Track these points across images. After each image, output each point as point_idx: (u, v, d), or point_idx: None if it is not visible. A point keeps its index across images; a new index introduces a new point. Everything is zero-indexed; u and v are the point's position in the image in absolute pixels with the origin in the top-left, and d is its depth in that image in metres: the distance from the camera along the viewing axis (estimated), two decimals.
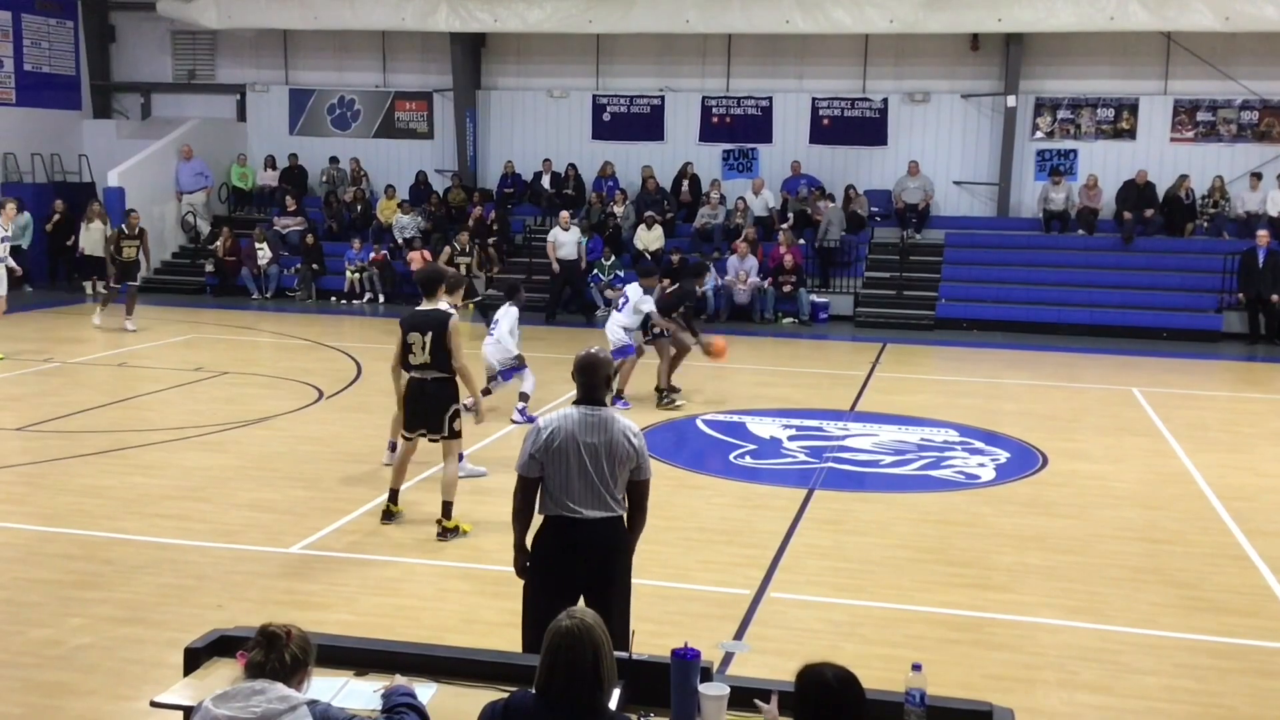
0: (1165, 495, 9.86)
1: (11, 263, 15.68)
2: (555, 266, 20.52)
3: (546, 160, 23.32)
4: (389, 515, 8.66)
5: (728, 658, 5.92)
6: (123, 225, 18.60)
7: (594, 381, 5.25)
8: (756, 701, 3.72)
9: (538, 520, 5.25)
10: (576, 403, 5.25)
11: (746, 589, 7.37)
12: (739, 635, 6.62)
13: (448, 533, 8.29)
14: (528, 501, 5.24)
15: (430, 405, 8.29)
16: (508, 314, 11.99)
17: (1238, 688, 6.12)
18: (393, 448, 9.73)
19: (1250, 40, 20.94)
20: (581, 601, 4.98)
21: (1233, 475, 10.50)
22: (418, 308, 8.48)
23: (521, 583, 5.34)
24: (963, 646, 6.52)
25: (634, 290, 13.11)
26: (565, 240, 20.63)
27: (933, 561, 8.01)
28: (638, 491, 5.26)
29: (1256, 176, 20.79)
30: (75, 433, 11.23)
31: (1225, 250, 19.93)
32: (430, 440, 8.42)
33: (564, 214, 20.96)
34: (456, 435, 8.44)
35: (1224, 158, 21.48)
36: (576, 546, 5.14)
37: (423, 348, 8.21)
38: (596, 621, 3.51)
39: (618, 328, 13.06)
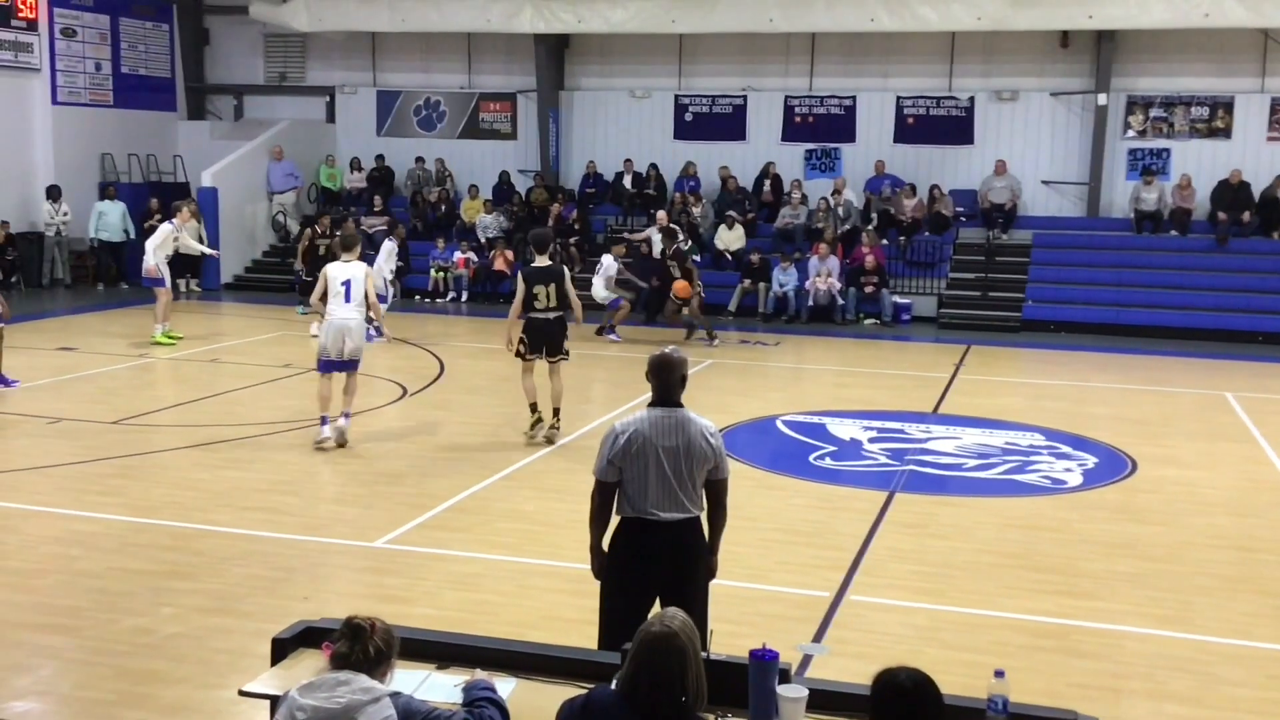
0: (1259, 503, 9.61)
1: (208, 250, 18.89)
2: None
3: (628, 160, 23.37)
4: (538, 423, 10.90)
5: (806, 660, 5.90)
6: (315, 225, 19.12)
7: (669, 382, 5.23)
8: None
9: (614, 520, 5.28)
10: (652, 404, 5.25)
11: (826, 591, 7.33)
12: (818, 638, 6.59)
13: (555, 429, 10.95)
14: (605, 505, 5.25)
15: (554, 336, 10.81)
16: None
17: None
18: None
19: None
20: (658, 604, 4.99)
21: None
22: (534, 264, 10.83)
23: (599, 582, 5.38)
24: (1047, 654, 6.42)
25: (607, 259, 18.58)
26: (660, 240, 20.14)
27: (1017, 567, 7.90)
28: (716, 490, 5.25)
29: None
30: (169, 426, 11.53)
31: None
32: (550, 361, 10.83)
33: (661, 214, 20.60)
34: (568, 355, 11.11)
35: None
36: (653, 548, 5.15)
37: (547, 295, 10.65)
38: (686, 626, 3.50)
39: (600, 288, 18.08)
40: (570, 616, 6.66)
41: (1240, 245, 20.36)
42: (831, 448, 11.28)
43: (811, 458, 10.89)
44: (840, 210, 21.70)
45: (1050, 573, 7.78)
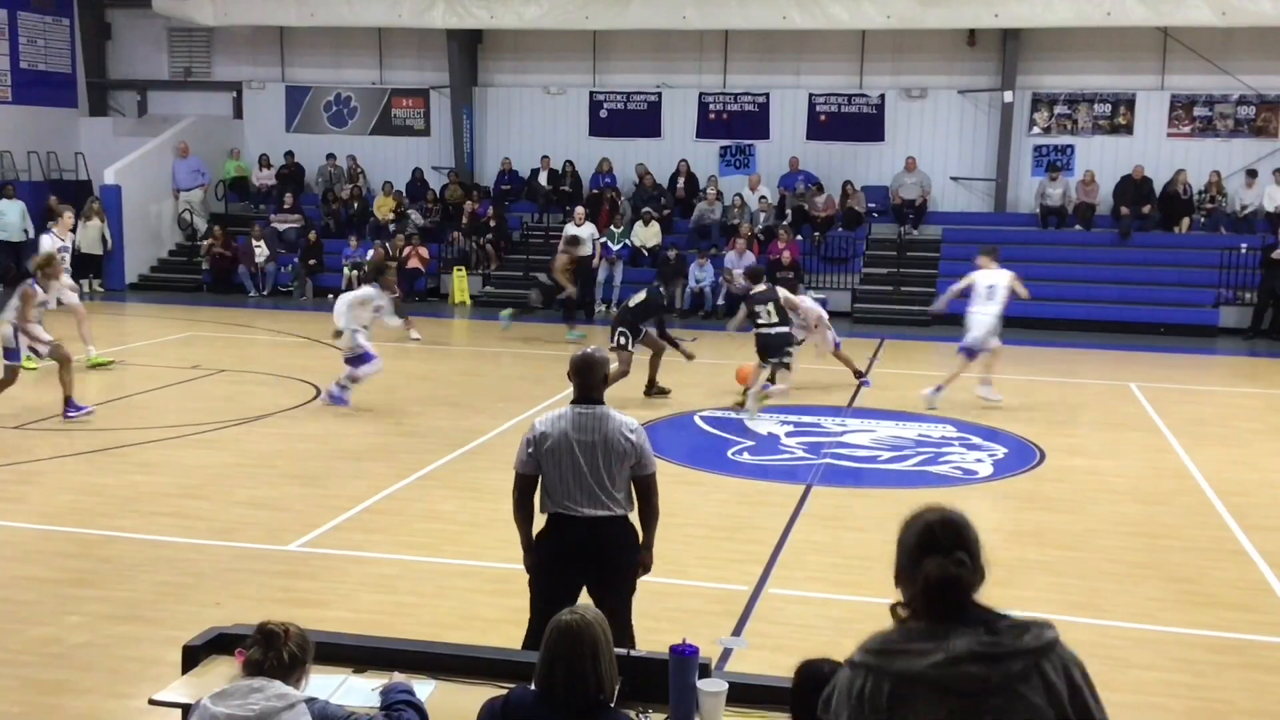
0: (1163, 490, 9.87)
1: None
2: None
3: (544, 157, 23.30)
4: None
5: (726, 654, 5.92)
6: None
7: (590, 381, 5.30)
8: None
9: (542, 519, 5.29)
10: (573, 402, 5.30)
11: (745, 585, 7.37)
12: (737, 631, 6.63)
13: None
14: (525, 498, 5.28)
15: (777, 346, 12.35)
16: None
17: (1235, 682, 6.13)
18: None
19: (1247, 35, 20.93)
20: (585, 598, 5.00)
21: (1230, 470, 10.52)
22: (754, 290, 12.71)
23: (525, 580, 5.38)
24: None
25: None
26: (584, 237, 19.94)
27: None
28: (643, 486, 5.30)
29: (1251, 174, 20.82)
30: (72, 430, 11.22)
31: (1222, 245, 19.96)
32: (772, 364, 12.39)
33: (579, 210, 20.49)
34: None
35: (1221, 153, 21.48)
36: (575, 544, 5.18)
37: (768, 313, 12.35)
38: (597, 618, 3.51)
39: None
40: (490, 616, 6.62)
41: (1142, 239, 20.91)
42: (749, 442, 11.35)
43: (730, 453, 10.95)
44: (755, 206, 21.87)
45: None
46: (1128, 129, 22.01)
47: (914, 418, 12.52)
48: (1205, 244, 20.40)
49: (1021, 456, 10.98)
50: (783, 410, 12.68)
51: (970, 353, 13.03)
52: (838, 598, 7.21)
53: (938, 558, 2.68)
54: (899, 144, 22.58)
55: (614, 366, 13.01)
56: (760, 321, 12.47)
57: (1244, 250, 19.68)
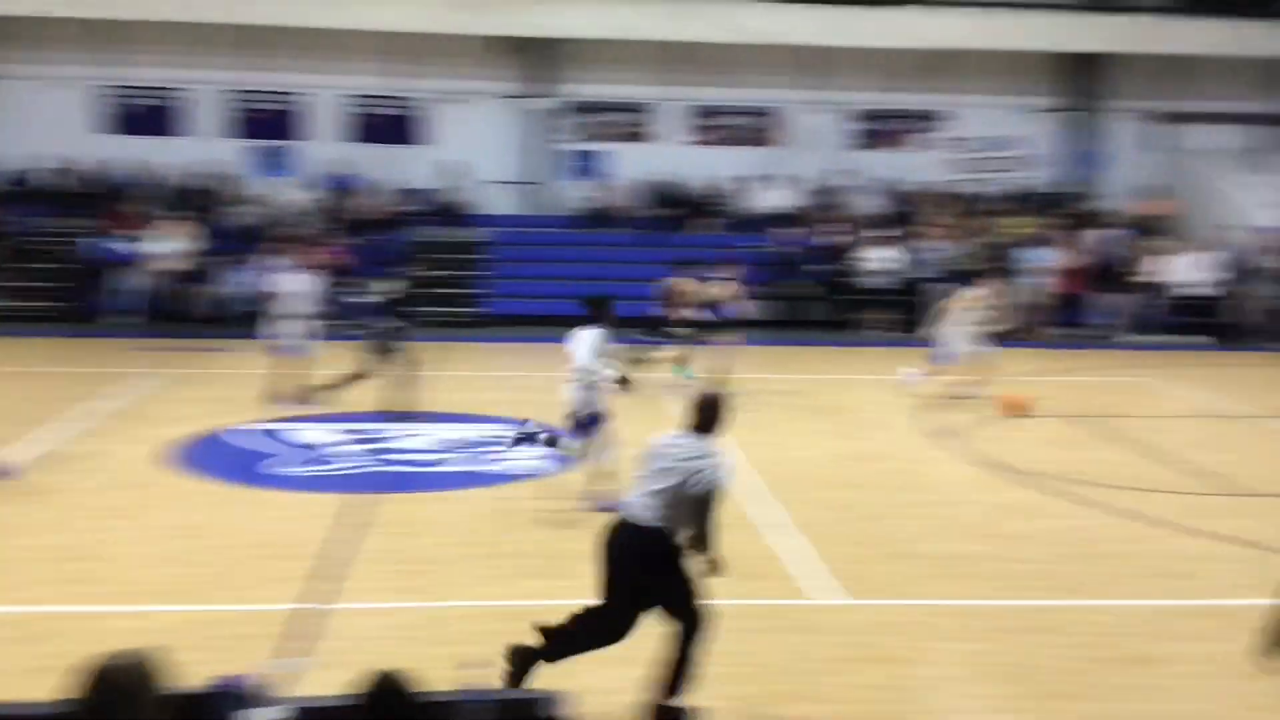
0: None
1: None
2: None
3: (56, 156, 21.27)
4: None
5: (285, 677, 5.66)
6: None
7: None
8: None
9: None
10: None
11: (301, 603, 7.08)
12: (294, 653, 6.35)
13: None
14: None
15: None
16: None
17: (767, 645, 6.65)
18: None
19: (748, 52, 23.00)
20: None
21: (760, 450, 11.37)
22: None
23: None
24: (528, 636, 6.60)
25: None
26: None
27: (495, 555, 8.09)
28: None
29: (757, 179, 22.96)
30: None
31: (740, 245, 21.76)
32: None
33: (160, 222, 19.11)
34: None
35: (736, 160, 23.46)
36: None
37: None
38: (143, 659, 3.22)
39: None
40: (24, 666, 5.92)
41: (672, 239, 22.35)
42: (305, 452, 10.96)
43: (276, 465, 10.50)
44: (296, 209, 21.18)
45: (529, 557, 8.04)
46: (652, 137, 23.51)
47: (469, 419, 12.61)
48: (724, 244, 22.08)
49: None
50: (335, 418, 12.35)
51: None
52: (400, 605, 7.09)
53: None
54: (442, 147, 22.75)
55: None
56: None
57: (759, 249, 21.59)
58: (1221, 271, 20.59)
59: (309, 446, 11.23)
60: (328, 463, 10.65)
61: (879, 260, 20.94)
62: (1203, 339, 20.12)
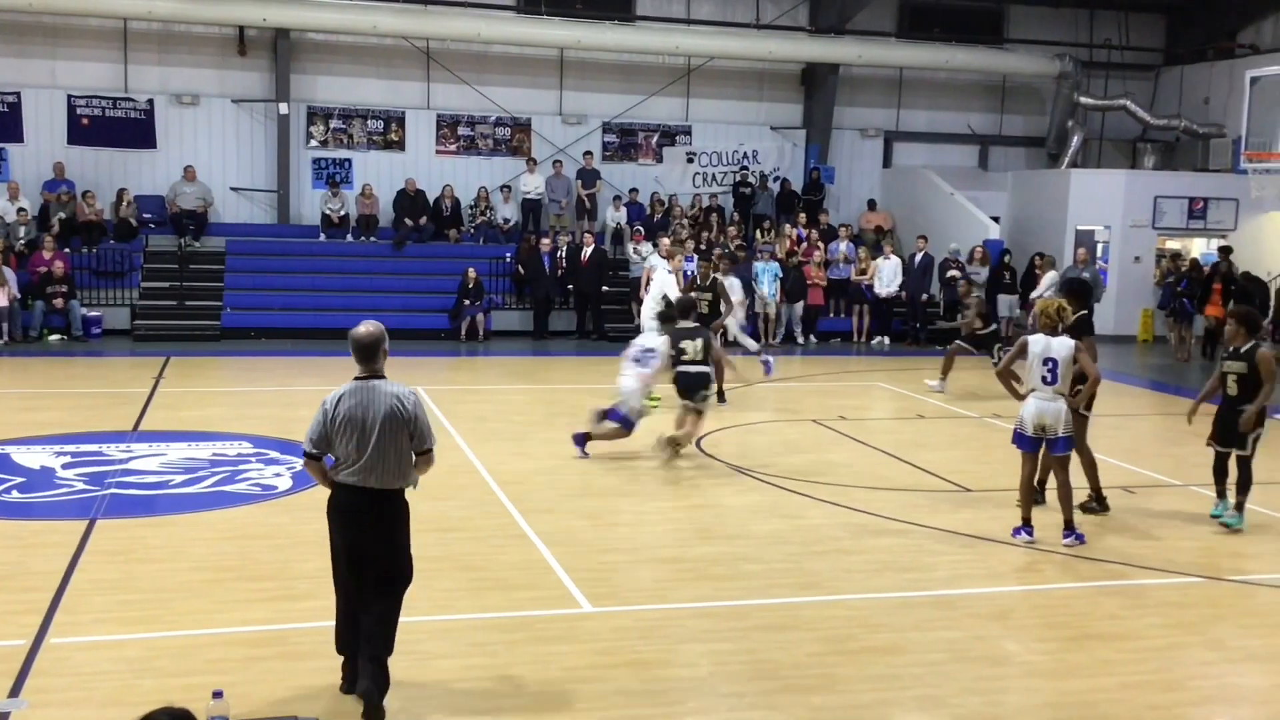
0: (452, 486, 10.42)
1: None
2: None
3: None
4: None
5: (4, 718, 5.25)
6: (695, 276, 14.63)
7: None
8: None
9: None
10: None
11: (22, 639, 6.58)
12: (15, 692, 5.90)
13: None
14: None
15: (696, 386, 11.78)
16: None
17: (524, 656, 6.63)
18: None
19: (500, 61, 22.96)
20: None
21: (510, 461, 11.40)
22: (679, 326, 11.90)
23: None
24: (268, 662, 6.37)
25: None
26: None
27: (232, 579, 7.75)
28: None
29: (506, 188, 22.91)
30: None
31: (490, 255, 21.72)
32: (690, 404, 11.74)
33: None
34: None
35: (484, 169, 23.37)
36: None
37: (695, 350, 11.72)
38: None
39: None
40: None
41: (418, 250, 22.07)
42: (19, 479, 10.20)
43: None
44: (13, 218, 19.77)
45: (266, 580, 7.75)
46: (400, 145, 23.11)
47: (208, 437, 12.06)
48: (475, 254, 22.00)
49: None
50: (57, 440, 11.57)
51: None
52: (131, 637, 6.69)
53: None
54: (174, 152, 21.75)
55: None
56: (685, 359, 11.73)
57: (508, 259, 21.58)
58: (918, 279, 21.94)
59: (35, 470, 10.47)
60: (55, 488, 9.96)
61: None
62: (908, 344, 21.53)
